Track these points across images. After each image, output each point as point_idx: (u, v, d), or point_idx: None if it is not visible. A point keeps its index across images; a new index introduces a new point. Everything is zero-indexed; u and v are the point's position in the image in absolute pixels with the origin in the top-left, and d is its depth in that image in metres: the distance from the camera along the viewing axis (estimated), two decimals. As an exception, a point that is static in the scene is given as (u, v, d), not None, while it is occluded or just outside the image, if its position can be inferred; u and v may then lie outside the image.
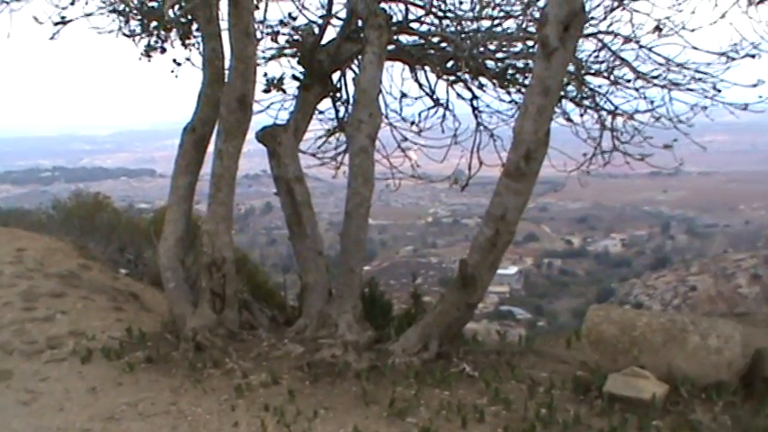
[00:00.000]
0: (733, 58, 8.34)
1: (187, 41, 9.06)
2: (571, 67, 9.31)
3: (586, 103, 9.89)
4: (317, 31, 8.72)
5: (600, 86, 9.70)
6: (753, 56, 8.15)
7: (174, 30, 8.91)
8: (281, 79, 8.98)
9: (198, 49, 8.80)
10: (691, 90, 9.12)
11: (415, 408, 5.79)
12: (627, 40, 8.73)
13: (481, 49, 8.96)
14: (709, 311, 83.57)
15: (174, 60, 9.15)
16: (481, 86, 9.76)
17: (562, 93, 9.67)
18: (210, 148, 8.30)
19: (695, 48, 8.23)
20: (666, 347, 5.73)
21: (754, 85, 8.49)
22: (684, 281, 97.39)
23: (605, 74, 9.22)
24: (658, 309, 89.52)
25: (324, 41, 8.81)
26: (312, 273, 7.93)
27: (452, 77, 9.76)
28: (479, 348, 7.24)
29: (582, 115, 9.79)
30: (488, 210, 6.68)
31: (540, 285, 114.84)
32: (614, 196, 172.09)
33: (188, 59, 9.15)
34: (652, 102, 9.43)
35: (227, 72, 7.86)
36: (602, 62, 9.29)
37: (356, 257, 7.64)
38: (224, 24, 7.90)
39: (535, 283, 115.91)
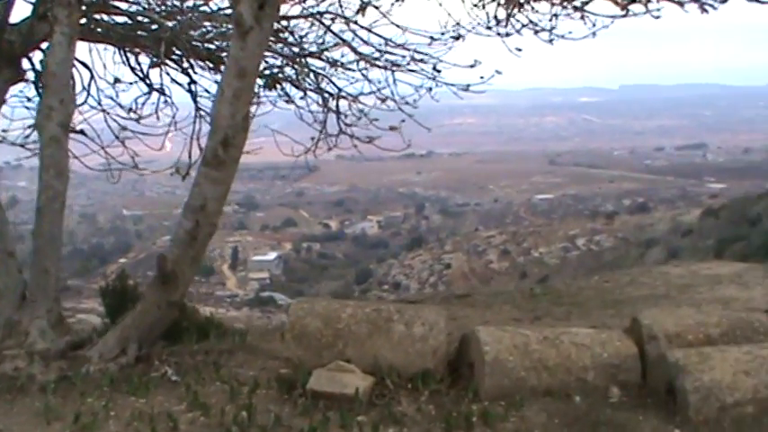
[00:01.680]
0: (436, 39, 8.34)
1: None
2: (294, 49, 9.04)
3: (307, 85, 9.63)
4: (3, 9, 7.89)
5: (324, 68, 9.48)
6: (457, 37, 8.13)
7: None
8: (-38, 63, 8.07)
9: None
10: (412, 71, 9.06)
11: (104, 421, 5.25)
12: (346, 20, 8.54)
13: (191, 31, 8.48)
14: (463, 287, 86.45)
15: None
16: (192, 69, 9.30)
17: (281, 75, 9.37)
18: None
19: (398, 26, 8.13)
20: (372, 339, 5.51)
21: (472, 66, 8.50)
22: (439, 259, 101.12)
23: (319, 55, 9.00)
24: (416, 287, 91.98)
25: (16, 20, 8.00)
26: (1, 276, 7.18)
27: (165, 60, 9.20)
28: (186, 349, 6.79)
29: (302, 98, 9.52)
30: (187, 201, 6.26)
31: (300, 270, 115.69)
32: (370, 179, 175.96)
33: None
34: (378, 83, 9.32)
35: None
36: (321, 43, 9.07)
37: (51, 257, 6.96)
38: None
39: (295, 268, 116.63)
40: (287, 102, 9.70)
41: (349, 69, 9.45)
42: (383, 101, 9.50)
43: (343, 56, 9.19)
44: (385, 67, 9.15)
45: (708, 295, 8.63)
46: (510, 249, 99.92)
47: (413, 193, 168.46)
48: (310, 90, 9.63)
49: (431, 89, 9.29)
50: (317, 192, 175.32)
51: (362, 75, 9.43)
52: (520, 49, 8.17)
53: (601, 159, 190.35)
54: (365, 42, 8.52)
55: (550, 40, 8.08)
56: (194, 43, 8.63)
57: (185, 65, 9.39)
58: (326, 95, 9.70)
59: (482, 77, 8.59)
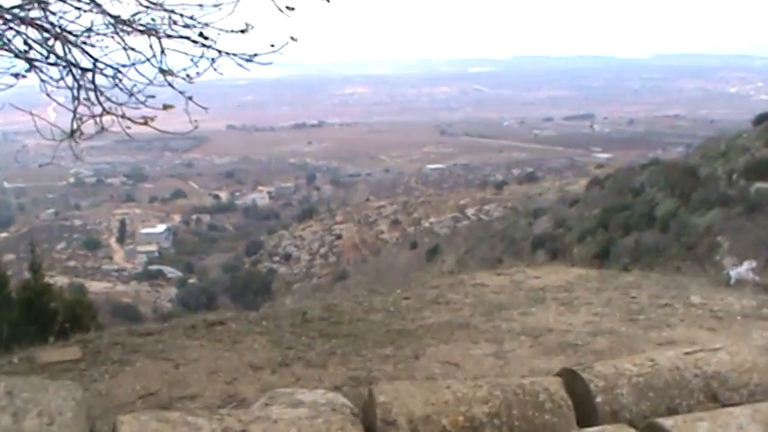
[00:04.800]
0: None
1: None
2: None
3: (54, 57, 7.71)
4: None
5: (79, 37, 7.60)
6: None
7: None
8: None
9: None
10: (172, 37, 7.29)
11: None
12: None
13: None
14: (352, 257, 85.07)
15: None
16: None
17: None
18: None
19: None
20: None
21: (243, 31, 6.93)
22: (330, 230, 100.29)
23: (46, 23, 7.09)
24: (307, 258, 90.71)
25: None
26: None
27: None
28: None
29: (28, 70, 7.58)
30: None
31: (190, 242, 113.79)
32: (261, 149, 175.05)
33: None
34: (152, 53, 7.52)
35: None
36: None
37: None
38: None
39: (184, 240, 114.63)
40: (15, 76, 7.76)
41: (99, 34, 7.59)
42: (165, 73, 7.67)
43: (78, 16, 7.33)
44: (144, 32, 7.33)
45: (518, 322, 7.12)
46: (401, 219, 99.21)
47: (304, 164, 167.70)
48: (48, 63, 7.70)
49: (213, 60, 7.57)
50: (208, 162, 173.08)
51: (121, 42, 7.59)
52: (291, 8, 6.61)
53: (491, 129, 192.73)
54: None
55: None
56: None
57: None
58: (77, 68, 7.79)
59: (272, 45, 6.98)
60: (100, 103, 8.08)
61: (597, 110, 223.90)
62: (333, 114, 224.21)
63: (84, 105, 8.14)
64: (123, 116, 8.24)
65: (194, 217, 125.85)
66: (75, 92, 8.02)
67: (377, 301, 8.04)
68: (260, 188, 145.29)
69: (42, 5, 7.28)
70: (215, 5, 7.06)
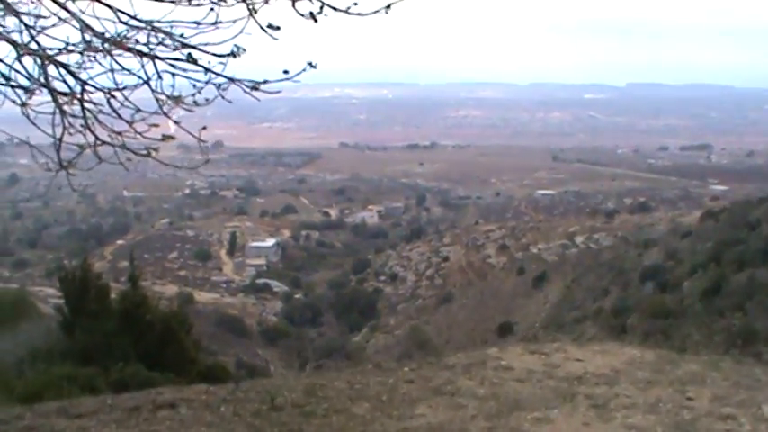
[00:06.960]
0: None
1: None
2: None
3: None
4: None
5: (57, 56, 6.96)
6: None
7: None
8: None
9: None
10: (159, 58, 6.60)
11: None
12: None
13: None
14: (459, 281, 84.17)
15: None
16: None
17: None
18: None
19: None
20: None
21: (232, 54, 6.17)
22: (438, 251, 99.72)
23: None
24: (413, 279, 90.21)
25: None
26: None
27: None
28: None
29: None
30: None
31: (298, 257, 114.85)
32: (373, 168, 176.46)
33: None
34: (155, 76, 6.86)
35: None
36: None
37: None
38: None
39: (293, 255, 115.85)
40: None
41: (78, 53, 6.92)
42: (172, 99, 7.00)
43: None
44: (132, 50, 6.65)
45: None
46: (509, 244, 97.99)
47: (415, 184, 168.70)
48: (10, 86, 7.06)
49: (219, 86, 6.85)
50: (319, 179, 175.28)
51: (110, 63, 6.92)
52: (276, 27, 5.85)
53: (604, 157, 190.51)
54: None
55: (312, 14, 5.78)
56: None
57: None
58: (56, 93, 7.15)
59: (286, 71, 6.24)
60: (91, 131, 7.42)
61: (714, 140, 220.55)
62: (445, 136, 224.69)
63: (73, 134, 7.50)
64: (123, 147, 7.56)
65: (303, 233, 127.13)
66: (59, 118, 7.39)
67: (373, 384, 7.16)
68: (370, 207, 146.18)
69: (15, 14, 6.66)
70: (212, 24, 6.37)
